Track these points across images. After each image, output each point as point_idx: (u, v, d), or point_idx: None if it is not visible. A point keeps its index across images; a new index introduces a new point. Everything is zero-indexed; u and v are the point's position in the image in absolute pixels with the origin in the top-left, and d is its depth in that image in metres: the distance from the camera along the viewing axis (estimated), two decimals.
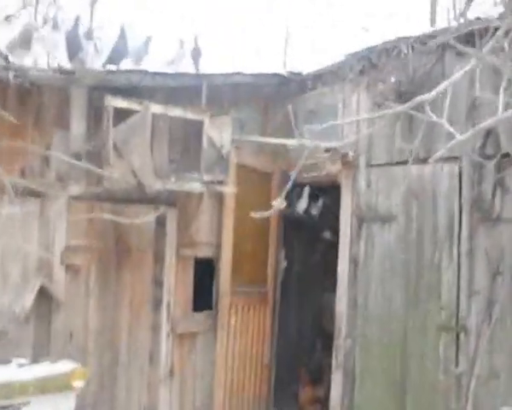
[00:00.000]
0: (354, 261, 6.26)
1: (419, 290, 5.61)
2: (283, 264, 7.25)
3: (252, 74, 6.31)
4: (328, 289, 8.52)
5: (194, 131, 5.94)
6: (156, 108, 5.42)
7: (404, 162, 5.62)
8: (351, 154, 6.31)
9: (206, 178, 5.89)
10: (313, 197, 7.81)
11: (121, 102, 5.15)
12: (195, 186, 5.82)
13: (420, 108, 3.88)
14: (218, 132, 5.99)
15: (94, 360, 5.47)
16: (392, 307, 5.83)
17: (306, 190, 7.61)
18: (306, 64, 7.07)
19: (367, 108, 6.25)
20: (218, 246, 6.36)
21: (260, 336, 6.86)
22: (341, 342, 6.25)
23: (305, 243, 8.40)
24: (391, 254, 5.90)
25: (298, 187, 7.52)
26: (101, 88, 5.22)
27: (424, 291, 5.57)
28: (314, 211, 7.87)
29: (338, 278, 6.39)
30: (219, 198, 6.35)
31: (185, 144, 5.97)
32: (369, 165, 6.20)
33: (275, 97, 6.99)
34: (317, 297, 8.50)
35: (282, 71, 6.82)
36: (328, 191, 8.04)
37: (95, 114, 5.34)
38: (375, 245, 6.06)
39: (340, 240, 6.41)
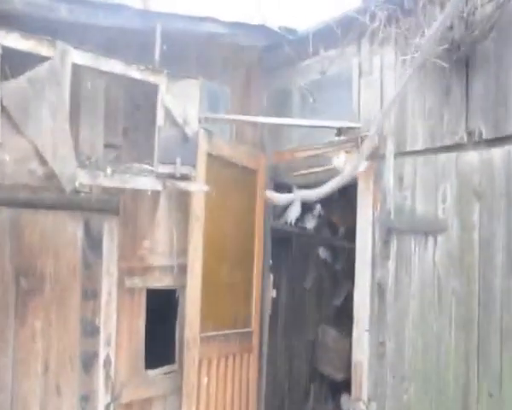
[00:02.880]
0: (379, 291, 4.18)
1: (486, 337, 3.59)
2: (272, 294, 5.10)
3: (230, 23, 4.20)
4: (323, 321, 6.52)
5: (144, 99, 3.84)
6: (80, 57, 3.30)
7: (458, 146, 3.84)
8: (374, 137, 4.27)
9: (163, 170, 3.78)
10: (308, 204, 5.76)
11: (18, 40, 3.02)
12: (146, 182, 3.69)
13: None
14: (181, 104, 3.89)
15: None
16: (443, 360, 3.78)
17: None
18: (303, 19, 5.01)
19: (396, 75, 4.22)
20: (182, 271, 4.20)
21: (243, 398, 4.72)
22: (361, 407, 4.17)
23: (294, 263, 6.22)
24: (438, 280, 3.86)
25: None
26: None
27: (495, 338, 3.54)
28: (309, 222, 5.80)
29: (354, 313, 4.32)
30: (183, 201, 4.25)
31: (130, 119, 3.86)
32: (401, 152, 4.15)
33: (261, 64, 4.93)
34: (310, 332, 6.42)
35: (272, 25, 4.71)
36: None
37: None
38: (412, 267, 4.00)
39: (357, 260, 4.34)
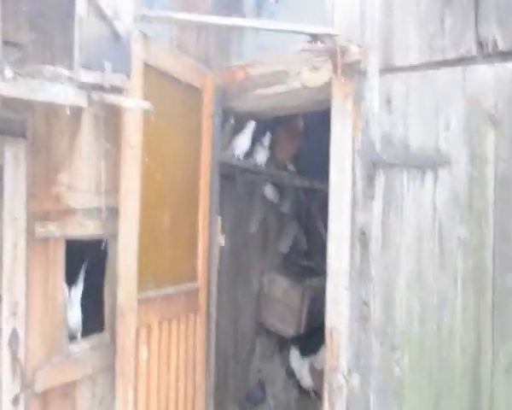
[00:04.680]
0: (361, 239, 3.29)
1: (503, 297, 2.80)
2: (221, 241, 4.11)
3: None
4: (268, 270, 5.66)
5: None
6: None
7: (465, 60, 2.97)
8: (353, 48, 3.31)
9: (87, 78, 2.67)
10: (261, 133, 4.77)
11: None
12: (64, 93, 2.58)
13: None
14: None
15: None
16: (446, 326, 2.97)
17: (251, 123, 4.53)
18: None
19: None
20: (113, 215, 3.14)
21: (189, 370, 3.73)
22: (340, 380, 3.33)
23: (238, 204, 5.23)
24: (440, 227, 3.01)
25: (245, 116, 4.48)
26: None
27: None
28: (259, 156, 4.82)
29: (328, 266, 3.41)
30: (114, 124, 3.15)
31: (38, 6, 2.72)
32: (389, 68, 3.20)
33: None
34: (255, 282, 5.53)
35: None
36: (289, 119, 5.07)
37: None
38: (405, 210, 3.12)
39: (331, 201, 3.41)
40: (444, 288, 2.98)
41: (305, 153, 5.48)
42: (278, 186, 5.60)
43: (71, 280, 3.08)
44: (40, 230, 2.81)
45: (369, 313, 3.22)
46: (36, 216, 2.80)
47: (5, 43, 2.62)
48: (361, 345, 3.25)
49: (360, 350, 3.26)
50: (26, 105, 2.70)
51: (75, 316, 3.09)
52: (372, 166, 3.25)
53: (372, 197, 3.24)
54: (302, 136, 5.27)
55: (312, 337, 5.31)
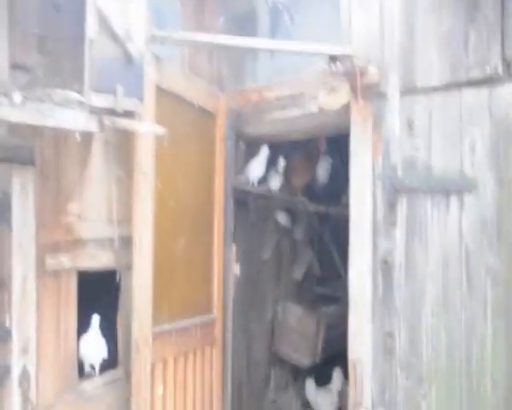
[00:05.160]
0: (384, 268, 3.13)
1: None
2: (236, 270, 3.93)
3: None
4: (282, 297, 5.48)
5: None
6: None
7: (491, 80, 2.82)
8: (372, 69, 3.18)
9: (99, 102, 2.55)
10: (275, 157, 4.62)
11: None
12: (75, 118, 2.44)
13: None
14: (122, 9, 2.67)
15: None
16: (475, 357, 2.79)
17: (265, 148, 4.40)
18: None
19: None
20: (125, 245, 2.99)
21: (206, 404, 3.56)
22: None
23: (251, 230, 5.01)
24: (467, 255, 2.85)
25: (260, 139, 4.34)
26: None
27: None
28: (273, 182, 4.67)
29: (350, 297, 3.25)
30: (126, 150, 3.03)
31: (49, 28, 2.60)
32: (410, 89, 3.06)
33: None
34: (269, 310, 5.35)
35: None
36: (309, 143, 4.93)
37: None
38: (430, 238, 2.96)
39: (352, 229, 3.25)
40: (472, 317, 2.81)
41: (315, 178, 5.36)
42: (291, 212, 5.45)
43: (87, 313, 2.93)
44: (51, 262, 2.66)
45: (394, 345, 3.05)
46: (46, 247, 2.66)
47: (13, 66, 2.52)
48: (385, 379, 3.08)
49: (385, 384, 3.08)
50: (35, 131, 2.58)
51: (97, 350, 2.92)
52: (394, 191, 3.10)
53: (394, 224, 3.09)
54: (318, 162, 5.14)
55: (328, 367, 5.13)
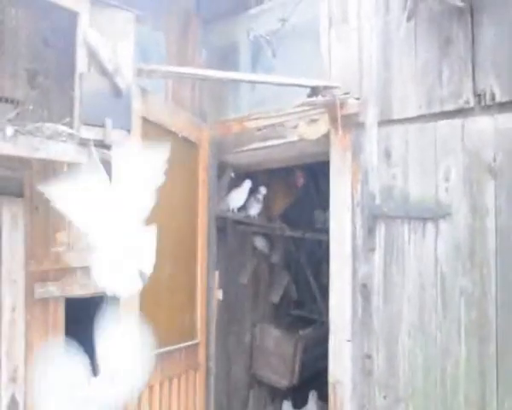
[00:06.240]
0: (363, 291, 3.20)
1: (508, 348, 2.70)
2: (218, 295, 3.96)
3: None
4: (260, 320, 5.50)
5: (57, 33, 2.61)
6: None
7: (463, 112, 2.91)
8: (351, 100, 3.26)
9: (88, 134, 2.58)
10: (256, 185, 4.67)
11: None
12: (65, 150, 2.47)
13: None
14: (110, 43, 2.70)
15: None
16: (450, 377, 2.86)
17: (247, 181, 4.45)
18: None
19: (378, 20, 3.24)
20: None
21: None
22: None
23: (230, 255, 5.08)
24: (442, 278, 2.93)
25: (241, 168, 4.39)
26: None
27: None
28: (252, 209, 4.71)
29: (330, 319, 3.31)
30: None
31: (39, 62, 2.61)
32: (387, 120, 3.17)
33: (200, 14, 3.80)
34: (247, 333, 5.36)
35: None
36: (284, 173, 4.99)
37: None
38: (406, 262, 3.04)
39: (332, 254, 3.33)
40: (447, 339, 2.88)
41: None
42: (268, 237, 5.50)
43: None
44: (39, 290, 2.67)
45: (373, 366, 3.11)
46: (35, 276, 2.67)
47: (2, 99, 2.52)
48: (364, 399, 3.13)
49: (363, 404, 3.13)
50: (23, 162, 2.60)
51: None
52: (372, 218, 3.17)
53: (373, 249, 3.16)
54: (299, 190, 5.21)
55: (304, 389, 5.15)
